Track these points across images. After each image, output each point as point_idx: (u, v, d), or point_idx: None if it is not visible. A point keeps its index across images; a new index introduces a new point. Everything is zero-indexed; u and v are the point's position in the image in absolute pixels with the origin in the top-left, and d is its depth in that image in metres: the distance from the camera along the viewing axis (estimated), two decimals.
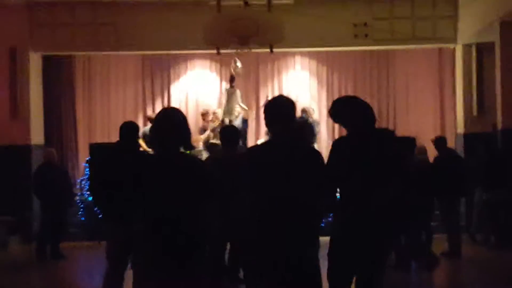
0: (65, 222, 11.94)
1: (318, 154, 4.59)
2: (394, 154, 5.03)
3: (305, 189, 4.38)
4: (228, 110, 15.06)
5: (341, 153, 4.87)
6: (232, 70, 15.01)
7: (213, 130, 14.76)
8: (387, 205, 4.83)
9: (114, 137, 7.15)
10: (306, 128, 13.92)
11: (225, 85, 15.52)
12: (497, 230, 11.79)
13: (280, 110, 4.59)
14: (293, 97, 16.25)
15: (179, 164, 4.16)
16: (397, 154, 5.09)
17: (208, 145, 12.86)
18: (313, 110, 15.71)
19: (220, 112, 15.27)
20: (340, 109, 5.17)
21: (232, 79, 15.22)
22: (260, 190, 4.43)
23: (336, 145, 5.03)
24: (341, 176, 4.78)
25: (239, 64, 14.71)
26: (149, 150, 13.32)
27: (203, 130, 15.29)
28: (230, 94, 15.18)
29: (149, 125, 14.71)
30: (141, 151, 10.19)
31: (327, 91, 17.36)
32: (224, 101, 15.33)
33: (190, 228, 4.06)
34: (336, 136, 16.46)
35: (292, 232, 4.32)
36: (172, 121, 4.25)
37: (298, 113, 14.83)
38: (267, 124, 4.66)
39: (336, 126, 16.40)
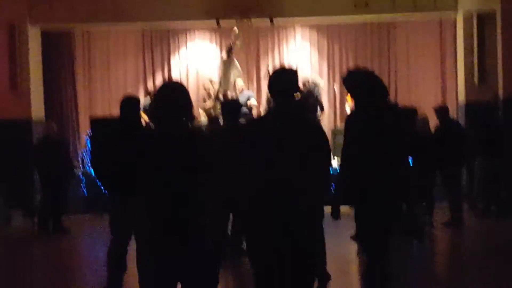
0: (65, 196, 11.95)
1: (318, 130, 4.63)
2: (399, 135, 5.09)
3: (300, 163, 4.42)
4: (225, 83, 14.68)
5: (353, 131, 4.97)
6: (232, 40, 14.80)
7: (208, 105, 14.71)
8: (391, 179, 4.93)
9: (115, 111, 7.16)
10: (311, 100, 13.78)
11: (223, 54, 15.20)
12: (497, 199, 11.84)
13: (281, 80, 4.62)
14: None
15: (181, 139, 4.13)
16: (401, 134, 5.16)
17: (209, 119, 12.84)
18: (318, 81, 15.38)
19: (216, 84, 14.85)
20: (356, 82, 5.21)
21: (229, 49, 14.77)
22: (256, 162, 4.48)
23: (348, 123, 5.15)
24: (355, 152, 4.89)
25: (236, 29, 14.44)
26: (150, 122, 13.39)
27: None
28: (227, 65, 14.74)
29: (149, 98, 14.71)
30: (143, 126, 10.20)
31: (328, 63, 17.27)
32: (220, 72, 14.81)
33: (192, 202, 4.06)
34: (337, 106, 16.49)
35: (288, 204, 4.38)
36: (173, 95, 4.20)
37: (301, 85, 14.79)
38: (271, 96, 4.74)
39: (338, 97, 16.41)
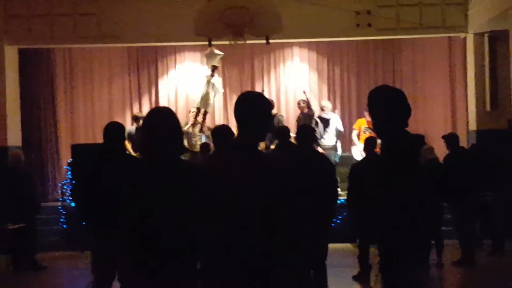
0: (34, 231, 11.74)
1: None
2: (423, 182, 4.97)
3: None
4: (207, 99, 14.91)
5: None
6: (206, 60, 14.94)
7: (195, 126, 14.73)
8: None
9: (99, 138, 7.15)
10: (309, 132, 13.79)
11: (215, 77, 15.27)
12: None
13: (249, 109, 4.27)
14: (291, 91, 16.81)
15: (171, 171, 4.12)
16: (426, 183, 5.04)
17: (200, 146, 12.84)
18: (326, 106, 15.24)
19: (198, 102, 14.96)
20: (374, 102, 5.00)
21: (213, 69, 14.91)
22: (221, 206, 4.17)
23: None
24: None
25: (215, 50, 14.54)
26: (134, 152, 13.35)
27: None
28: (209, 82, 14.93)
29: (135, 125, 14.70)
30: (128, 154, 10.17)
31: (328, 85, 17.35)
32: (204, 89, 14.97)
33: (180, 240, 4.05)
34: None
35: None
36: (164, 123, 4.21)
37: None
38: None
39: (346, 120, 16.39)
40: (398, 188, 4.69)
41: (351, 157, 14.43)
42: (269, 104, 4.38)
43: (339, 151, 14.72)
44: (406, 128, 4.74)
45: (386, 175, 4.73)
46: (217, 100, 16.42)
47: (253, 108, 4.20)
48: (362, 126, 14.71)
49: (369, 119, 13.83)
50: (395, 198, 4.68)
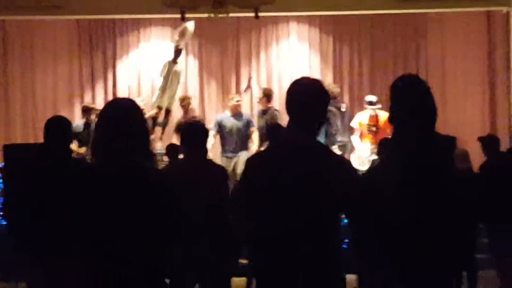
0: None
1: (346, 166, 4.78)
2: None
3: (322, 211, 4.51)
4: (172, 94, 15.05)
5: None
6: (177, 39, 14.96)
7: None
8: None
9: (41, 137, 7.12)
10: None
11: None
12: None
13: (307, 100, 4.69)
14: (286, 78, 16.78)
15: (131, 177, 4.13)
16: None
17: (167, 148, 12.83)
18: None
19: (156, 96, 15.15)
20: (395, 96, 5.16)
21: (178, 52, 15.10)
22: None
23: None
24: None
25: (190, 27, 14.56)
26: (81, 151, 13.36)
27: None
28: (175, 73, 15.10)
29: (85, 119, 14.65)
30: (76, 159, 10.15)
31: (334, 70, 17.41)
32: (162, 80, 15.10)
33: (144, 263, 4.08)
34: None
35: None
36: (125, 120, 4.19)
37: None
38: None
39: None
40: (422, 207, 4.74)
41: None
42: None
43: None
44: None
45: (405, 190, 4.77)
46: (191, 86, 16.47)
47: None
48: (365, 123, 14.40)
49: (373, 113, 13.85)
50: (417, 219, 4.74)
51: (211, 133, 12.41)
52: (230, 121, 13.73)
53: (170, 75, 14.95)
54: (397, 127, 5.05)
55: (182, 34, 14.60)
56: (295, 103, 4.67)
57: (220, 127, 13.68)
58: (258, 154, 6.61)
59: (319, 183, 4.52)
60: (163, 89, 14.97)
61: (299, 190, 4.49)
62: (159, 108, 14.92)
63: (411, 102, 4.93)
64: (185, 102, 14.79)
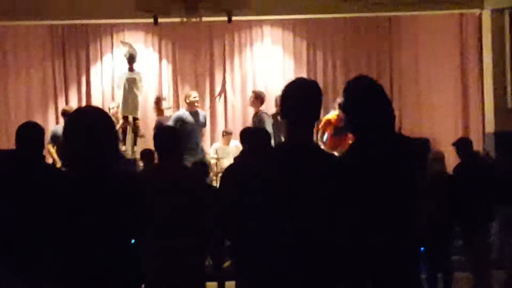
0: None
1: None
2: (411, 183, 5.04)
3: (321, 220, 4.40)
4: (134, 103, 15.13)
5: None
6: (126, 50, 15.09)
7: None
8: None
9: (11, 141, 7.08)
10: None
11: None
12: None
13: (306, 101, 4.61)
14: (260, 81, 16.81)
15: (103, 187, 4.09)
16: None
17: (141, 153, 12.78)
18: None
19: (120, 107, 15.19)
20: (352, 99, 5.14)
21: (131, 59, 15.20)
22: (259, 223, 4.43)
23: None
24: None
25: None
26: (57, 159, 13.29)
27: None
28: (132, 80, 15.15)
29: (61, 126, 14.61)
30: (49, 165, 10.08)
31: (308, 73, 17.41)
32: (121, 90, 15.20)
33: (119, 273, 4.05)
34: None
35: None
36: (93, 128, 4.14)
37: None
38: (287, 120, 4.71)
39: None
40: (391, 212, 4.74)
41: None
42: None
43: None
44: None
45: (372, 195, 4.77)
46: (165, 90, 16.48)
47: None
48: (332, 125, 14.21)
49: (341, 115, 13.75)
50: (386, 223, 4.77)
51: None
52: (189, 118, 13.73)
53: (125, 84, 15.06)
54: (355, 131, 5.07)
55: (126, 43, 14.73)
56: (293, 104, 4.59)
57: (184, 123, 13.61)
58: (247, 161, 6.52)
59: (321, 184, 4.46)
60: (125, 98, 15.03)
61: (301, 191, 4.38)
62: (125, 118, 14.97)
63: (364, 104, 5.01)
64: (160, 103, 14.89)
